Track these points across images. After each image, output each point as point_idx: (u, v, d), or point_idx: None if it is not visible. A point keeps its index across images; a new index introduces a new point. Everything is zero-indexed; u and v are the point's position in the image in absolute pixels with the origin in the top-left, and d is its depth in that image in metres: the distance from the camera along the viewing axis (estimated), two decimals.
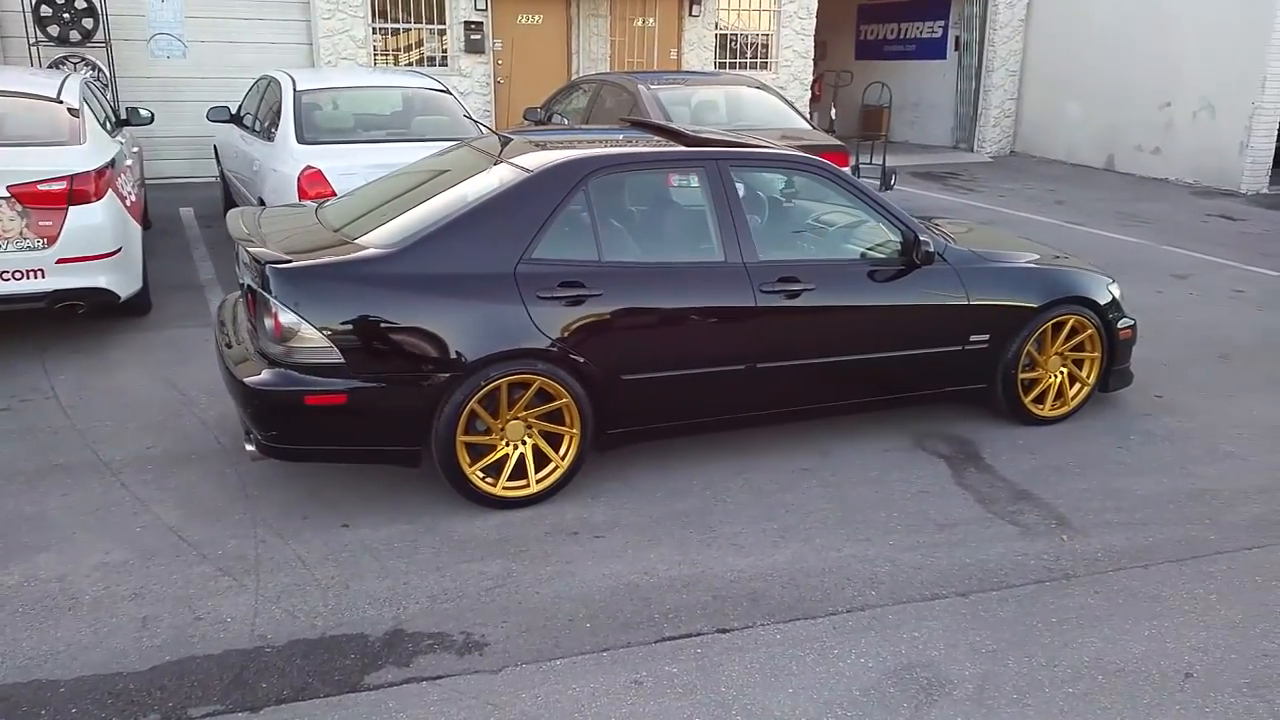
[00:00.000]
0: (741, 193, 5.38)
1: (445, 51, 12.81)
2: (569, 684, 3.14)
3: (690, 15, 13.76)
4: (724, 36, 14.18)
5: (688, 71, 11.70)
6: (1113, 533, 4.17)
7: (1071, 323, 5.14)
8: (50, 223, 5.76)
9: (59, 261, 5.81)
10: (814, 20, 14.62)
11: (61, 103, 6.47)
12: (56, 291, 5.84)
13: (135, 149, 7.99)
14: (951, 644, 3.38)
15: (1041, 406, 5.23)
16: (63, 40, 10.88)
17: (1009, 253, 5.24)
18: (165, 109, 11.47)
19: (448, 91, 8.11)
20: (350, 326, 3.88)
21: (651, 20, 13.62)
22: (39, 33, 10.79)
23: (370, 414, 3.98)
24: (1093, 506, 4.39)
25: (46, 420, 5.08)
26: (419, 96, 8.05)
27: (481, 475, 4.17)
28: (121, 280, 6.15)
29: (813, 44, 14.67)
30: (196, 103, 10.81)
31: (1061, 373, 5.25)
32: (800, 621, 3.50)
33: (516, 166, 4.34)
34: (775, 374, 4.58)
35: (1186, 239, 10.22)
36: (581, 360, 4.17)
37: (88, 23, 10.94)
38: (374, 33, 12.45)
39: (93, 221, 5.90)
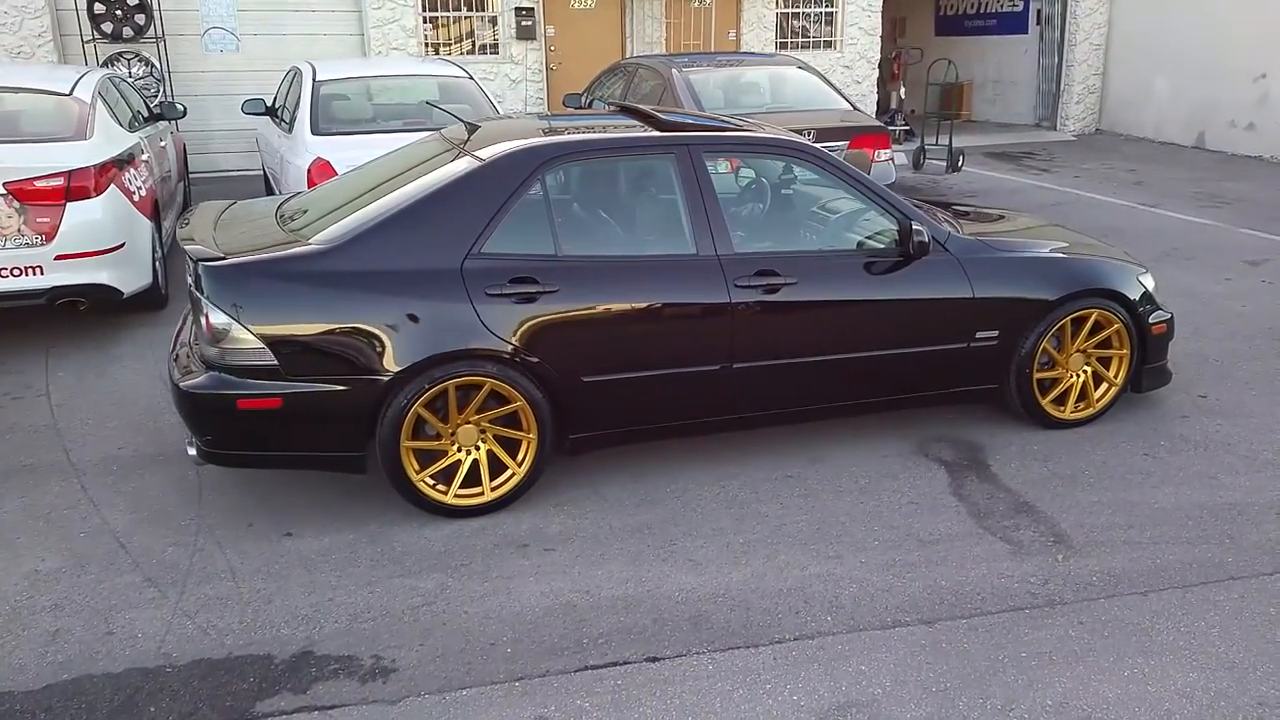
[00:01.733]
0: (748, 180, 5.11)
1: (497, 39, 12.66)
2: (467, 719, 2.91)
3: None
4: (785, 15, 13.71)
5: (726, 53, 11.30)
6: (1115, 553, 3.74)
7: (1095, 317, 4.68)
8: (48, 219, 5.77)
9: (58, 258, 5.81)
10: None
11: (73, 98, 6.50)
12: (56, 288, 5.85)
13: (163, 143, 8.02)
14: (900, 680, 3.04)
15: (1062, 409, 4.78)
16: (116, 37, 11.08)
17: (1026, 241, 4.80)
18: (219, 103, 11.64)
19: (471, 79, 7.93)
20: (284, 327, 3.71)
21: (708, 0, 13.24)
22: (94, 30, 10.99)
23: (308, 419, 3.81)
24: (1099, 522, 3.96)
25: (31, 419, 5.07)
26: (441, 85, 7.89)
27: (432, 483, 3.97)
28: (125, 276, 6.14)
29: (880, 21, 14.09)
30: (250, 96, 10.88)
31: (1085, 372, 4.79)
32: (740, 650, 3.20)
33: (473, 157, 4.10)
34: (754, 375, 4.26)
35: (1268, 221, 9.43)
36: (536, 361, 3.93)
37: (140, 19, 11.10)
38: (424, 21, 12.38)
39: (92, 217, 5.89)
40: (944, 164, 12.35)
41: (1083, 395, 4.81)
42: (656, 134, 4.27)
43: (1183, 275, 7.55)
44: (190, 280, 3.92)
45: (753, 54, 10.31)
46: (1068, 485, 4.27)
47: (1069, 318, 4.63)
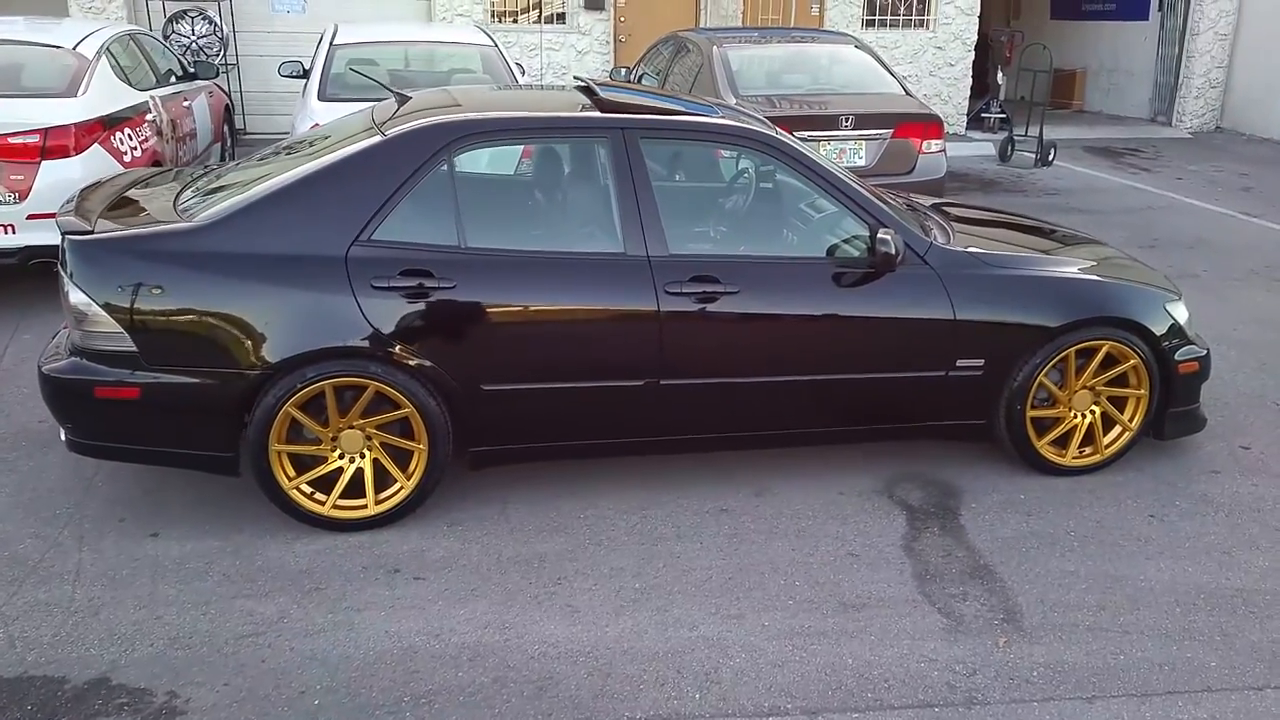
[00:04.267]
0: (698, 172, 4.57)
1: (565, 9, 12.21)
2: None
3: None
4: None
5: (779, 29, 10.59)
6: (1071, 641, 3.12)
7: (1106, 350, 4.00)
8: (21, 176, 5.61)
9: (30, 217, 5.65)
10: None
11: (74, 53, 6.34)
12: (28, 248, 5.69)
13: (187, 103, 7.86)
14: None
15: (1061, 453, 4.13)
16: None
17: (1030, 256, 4.14)
18: None
19: (497, 48, 7.52)
20: (143, 310, 3.37)
21: None
22: None
23: (170, 413, 3.47)
24: (1065, 599, 3.33)
25: None
26: (463, 53, 7.51)
27: (308, 491, 3.59)
28: None
29: (978, 0, 13.09)
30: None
31: (1092, 413, 4.11)
32: None
33: (381, 132, 3.68)
34: (686, 394, 3.75)
35: None
36: (429, 364, 3.51)
37: None
38: None
39: (69, 176, 5.67)
40: (1033, 157, 11.43)
41: (1090, 439, 4.15)
42: (588, 115, 3.76)
43: (1266, 299, 6.65)
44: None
45: (808, 31, 9.63)
46: (1044, 548, 3.64)
47: (1073, 349, 3.97)
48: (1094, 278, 4.09)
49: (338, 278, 3.44)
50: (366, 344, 3.45)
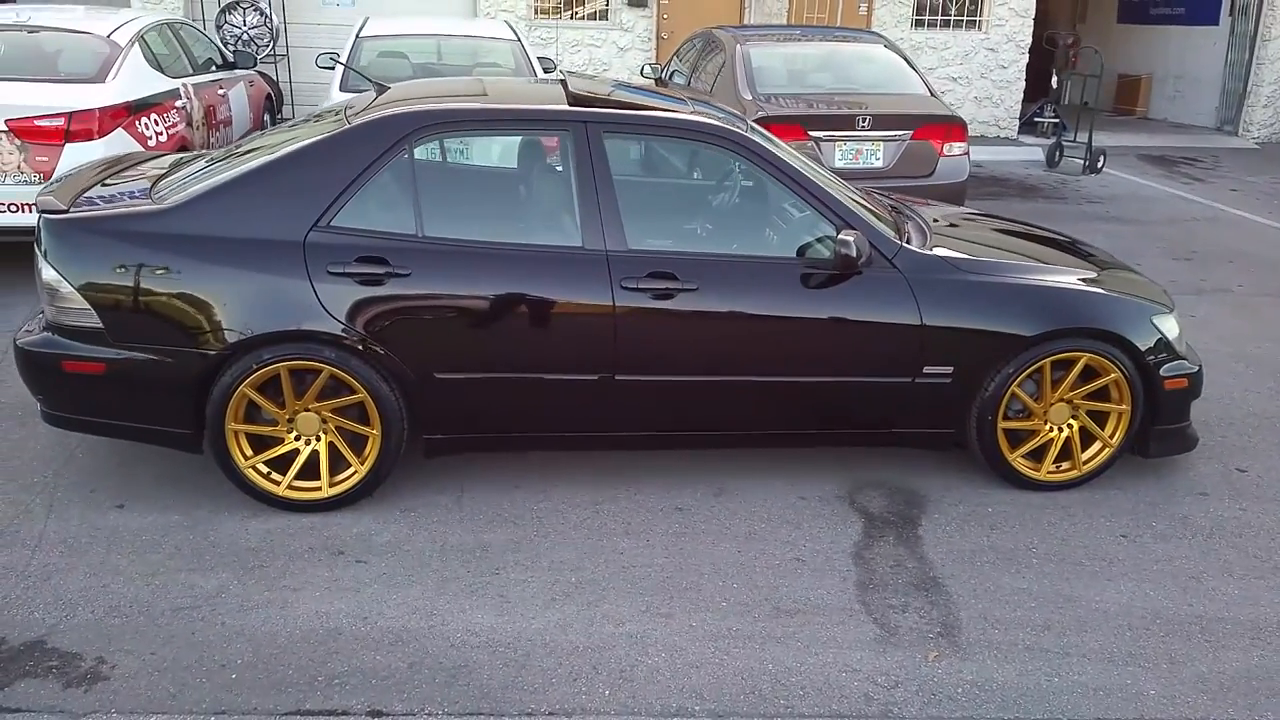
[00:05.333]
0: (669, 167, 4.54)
1: (608, 5, 12.23)
2: None
3: None
4: None
5: (807, 27, 10.43)
6: (1007, 660, 3.03)
7: (1083, 362, 3.88)
8: (46, 158, 5.81)
9: None
10: None
11: (108, 40, 6.54)
12: None
13: (222, 91, 8.05)
14: None
15: (1036, 466, 4.01)
16: None
17: (1008, 263, 4.02)
18: None
19: (519, 42, 7.57)
20: (109, 289, 3.46)
21: None
22: None
23: (133, 389, 3.56)
24: (1009, 617, 3.24)
25: None
26: (486, 47, 7.57)
27: (265, 471, 3.66)
28: None
29: (1034, 1, 12.78)
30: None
31: (1070, 426, 3.99)
32: (476, 717, 2.74)
33: (346, 121, 3.73)
34: (642, 391, 3.73)
35: None
36: (383, 351, 3.55)
37: None
38: None
39: (92, 158, 5.86)
40: (1082, 163, 11.14)
41: (1068, 454, 4.03)
42: (551, 107, 3.76)
43: None
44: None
45: (839, 30, 9.48)
46: (1000, 563, 3.55)
47: (1048, 359, 3.86)
48: (1074, 287, 3.96)
49: (295, 262, 3.49)
50: (321, 328, 3.50)
